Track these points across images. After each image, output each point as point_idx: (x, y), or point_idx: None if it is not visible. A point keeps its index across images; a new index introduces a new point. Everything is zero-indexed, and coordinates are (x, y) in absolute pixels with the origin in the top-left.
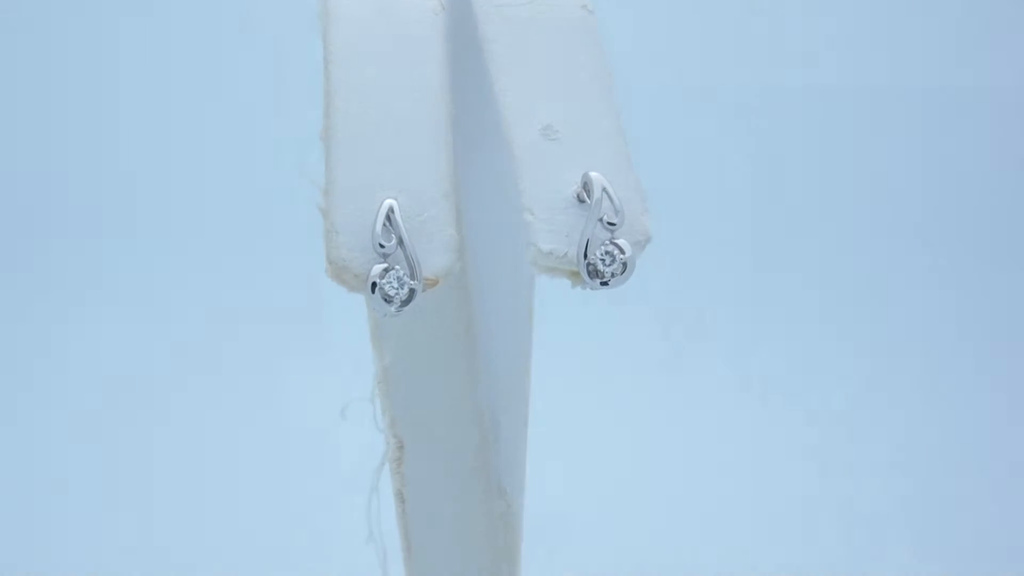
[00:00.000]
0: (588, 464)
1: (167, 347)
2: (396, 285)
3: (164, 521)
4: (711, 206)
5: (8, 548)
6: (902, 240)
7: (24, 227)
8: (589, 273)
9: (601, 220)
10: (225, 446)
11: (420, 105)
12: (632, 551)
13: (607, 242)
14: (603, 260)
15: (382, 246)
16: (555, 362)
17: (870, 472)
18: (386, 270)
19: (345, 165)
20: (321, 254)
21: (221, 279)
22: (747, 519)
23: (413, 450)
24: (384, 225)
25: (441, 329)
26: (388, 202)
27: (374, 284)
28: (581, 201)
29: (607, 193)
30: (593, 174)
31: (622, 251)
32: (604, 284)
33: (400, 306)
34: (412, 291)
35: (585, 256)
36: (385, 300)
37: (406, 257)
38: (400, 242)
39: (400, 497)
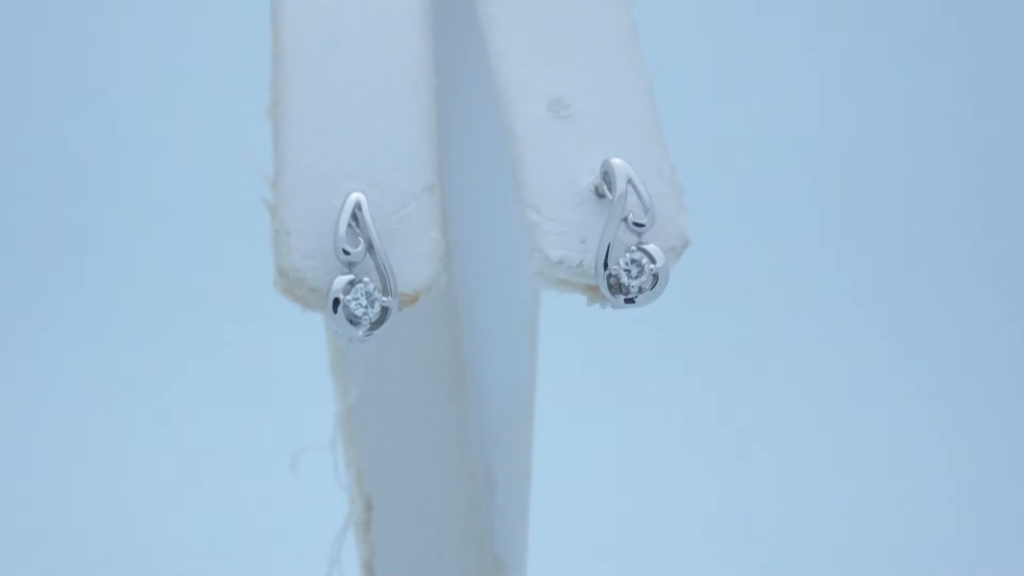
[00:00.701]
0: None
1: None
2: (364, 302)
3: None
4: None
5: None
6: (908, 246)
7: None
8: (611, 287)
9: (626, 220)
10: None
11: (395, 72)
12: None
13: (633, 248)
14: (628, 271)
15: (347, 252)
16: (563, 396)
17: (873, 479)
18: (352, 283)
19: (298, 148)
20: (269, 261)
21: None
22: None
23: (385, 512)
24: (349, 225)
25: (421, 358)
26: (354, 196)
27: (336, 301)
28: (600, 195)
29: (633, 185)
30: (615, 161)
31: (652, 260)
32: (630, 301)
33: (369, 329)
34: (385, 310)
35: (605, 266)
36: (350, 321)
37: (377, 267)
38: (370, 247)
39: (368, 570)
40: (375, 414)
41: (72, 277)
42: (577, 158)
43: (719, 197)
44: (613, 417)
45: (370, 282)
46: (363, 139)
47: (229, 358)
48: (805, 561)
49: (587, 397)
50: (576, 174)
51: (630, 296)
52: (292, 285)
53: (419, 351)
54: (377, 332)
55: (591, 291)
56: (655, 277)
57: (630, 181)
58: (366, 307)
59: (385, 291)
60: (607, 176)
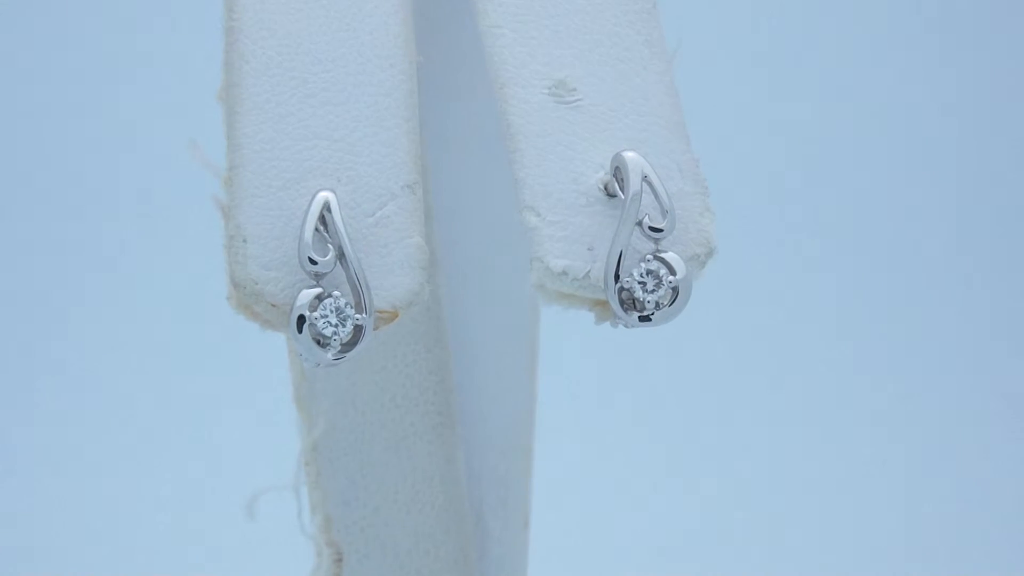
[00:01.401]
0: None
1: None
2: (335, 320)
3: None
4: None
5: None
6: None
7: None
8: (622, 303)
9: (640, 224)
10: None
11: (368, 48)
12: None
13: (649, 257)
14: (643, 284)
15: (313, 262)
16: (564, 422)
17: (875, 486)
18: (319, 298)
19: (256, 139)
20: (221, 272)
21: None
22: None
23: (357, 566)
24: (316, 230)
25: (401, 385)
26: (323, 195)
27: (301, 318)
28: (610, 195)
29: (649, 183)
30: (628, 154)
31: (672, 270)
32: (645, 319)
33: (340, 351)
34: (358, 329)
35: (617, 278)
36: (319, 342)
37: (349, 278)
38: (340, 256)
39: None
40: (346, 450)
41: (18, 281)
42: (583, 151)
43: (747, 193)
44: (617, 450)
45: (341, 296)
46: (332, 129)
47: (172, 386)
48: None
49: (592, 430)
50: (582, 170)
51: (645, 313)
52: (249, 300)
53: (398, 377)
54: (349, 355)
55: (600, 307)
56: (675, 291)
57: (645, 178)
58: (336, 325)
59: (358, 307)
60: (619, 172)
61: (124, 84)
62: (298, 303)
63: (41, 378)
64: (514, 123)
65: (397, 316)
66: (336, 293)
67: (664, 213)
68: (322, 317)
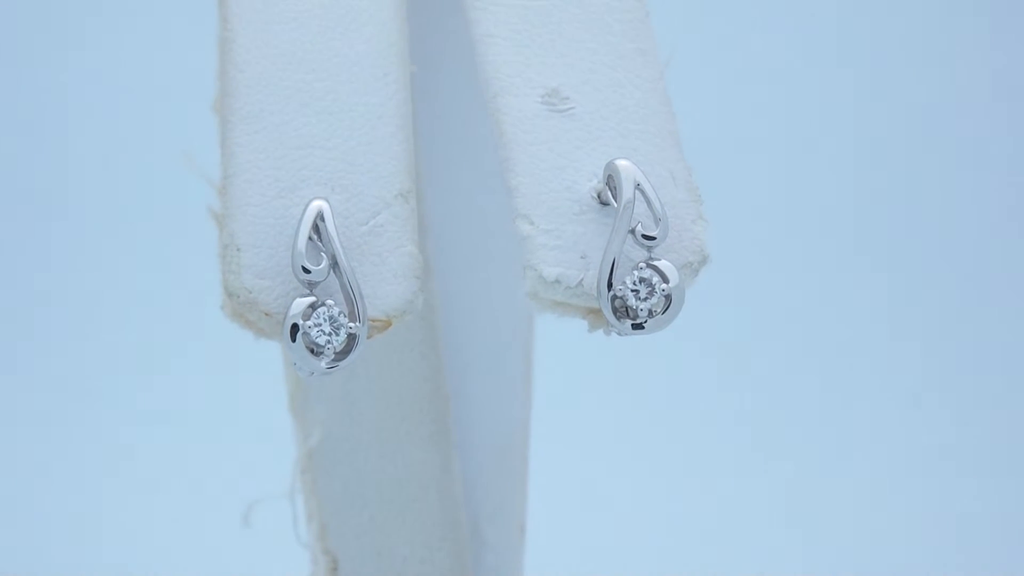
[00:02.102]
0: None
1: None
2: (328, 329)
3: None
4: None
5: None
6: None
7: None
8: (615, 311)
9: (633, 232)
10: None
11: (363, 58)
12: None
13: (642, 265)
14: (636, 292)
15: (307, 270)
16: (560, 434)
17: (873, 484)
18: (313, 307)
19: (250, 149)
20: (216, 281)
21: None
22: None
23: (353, 573)
24: (310, 239)
25: (395, 393)
26: (316, 204)
27: (295, 327)
28: (603, 203)
29: (642, 191)
30: (621, 162)
31: (664, 278)
32: (638, 327)
33: (334, 360)
34: (351, 337)
35: (610, 286)
36: (312, 351)
37: (343, 287)
38: (334, 264)
39: None
40: (341, 459)
41: (10, 289)
42: (576, 159)
43: (738, 201)
44: (613, 457)
45: (334, 305)
46: (326, 137)
47: (167, 393)
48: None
49: (587, 437)
50: (575, 178)
51: (638, 321)
52: (243, 309)
53: (392, 385)
54: (343, 363)
55: (593, 315)
56: (667, 299)
57: (638, 186)
58: (330, 334)
59: (352, 316)
60: (611, 180)
61: (119, 95)
62: (292, 312)
63: (38, 386)
64: (507, 131)
65: (391, 325)
66: (330, 302)
67: (657, 221)
68: (316, 326)
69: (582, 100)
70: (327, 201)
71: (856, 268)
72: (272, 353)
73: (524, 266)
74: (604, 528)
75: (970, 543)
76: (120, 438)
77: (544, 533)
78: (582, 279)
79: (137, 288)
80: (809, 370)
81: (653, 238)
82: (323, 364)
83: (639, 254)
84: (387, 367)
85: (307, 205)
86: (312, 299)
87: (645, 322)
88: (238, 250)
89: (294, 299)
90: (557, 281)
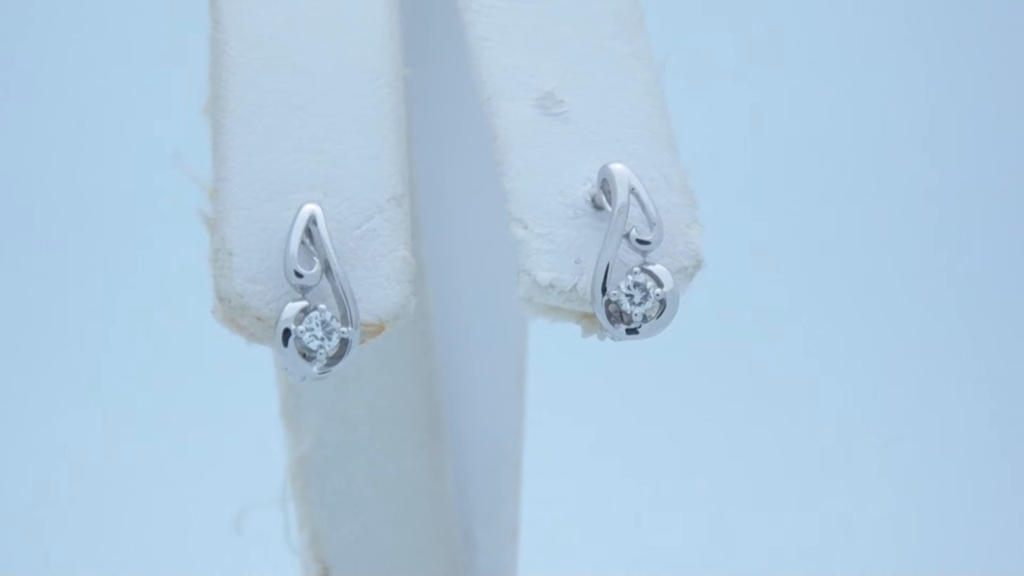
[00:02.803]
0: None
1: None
2: (320, 334)
3: None
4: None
5: None
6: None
7: None
8: (610, 316)
9: (628, 236)
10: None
11: (356, 61)
12: None
13: (637, 269)
14: (631, 296)
15: (299, 275)
16: (553, 439)
17: (869, 481)
18: (305, 311)
19: (242, 152)
20: (207, 285)
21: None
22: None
23: None
24: (302, 243)
25: (388, 399)
26: (308, 208)
27: (287, 332)
28: (598, 207)
29: (637, 195)
30: (616, 166)
31: (659, 283)
32: (632, 332)
33: (326, 365)
34: (344, 342)
35: (604, 290)
36: (304, 356)
37: (335, 291)
38: (326, 269)
39: None
40: (333, 465)
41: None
42: (571, 163)
43: (735, 205)
44: (606, 462)
45: (327, 310)
46: (318, 141)
47: (159, 398)
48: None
49: (581, 442)
50: (570, 182)
51: (633, 326)
52: (235, 313)
53: (385, 390)
54: (335, 368)
55: (587, 320)
56: (662, 304)
57: (633, 190)
58: (322, 339)
59: (344, 320)
60: (606, 184)
61: (110, 98)
62: (284, 316)
63: (28, 393)
64: (501, 135)
65: (383, 329)
66: (322, 306)
67: (652, 225)
68: (308, 330)
69: (576, 103)
70: (319, 205)
71: (852, 272)
72: (264, 358)
73: (518, 270)
74: (597, 533)
75: (970, 543)
76: (111, 444)
77: (537, 538)
78: (576, 284)
79: (128, 292)
80: (803, 374)
81: (648, 243)
82: (315, 369)
83: (634, 259)
84: (380, 372)
85: (299, 209)
86: (304, 303)
87: (639, 327)
88: (230, 254)
89: (286, 303)
90: (551, 286)
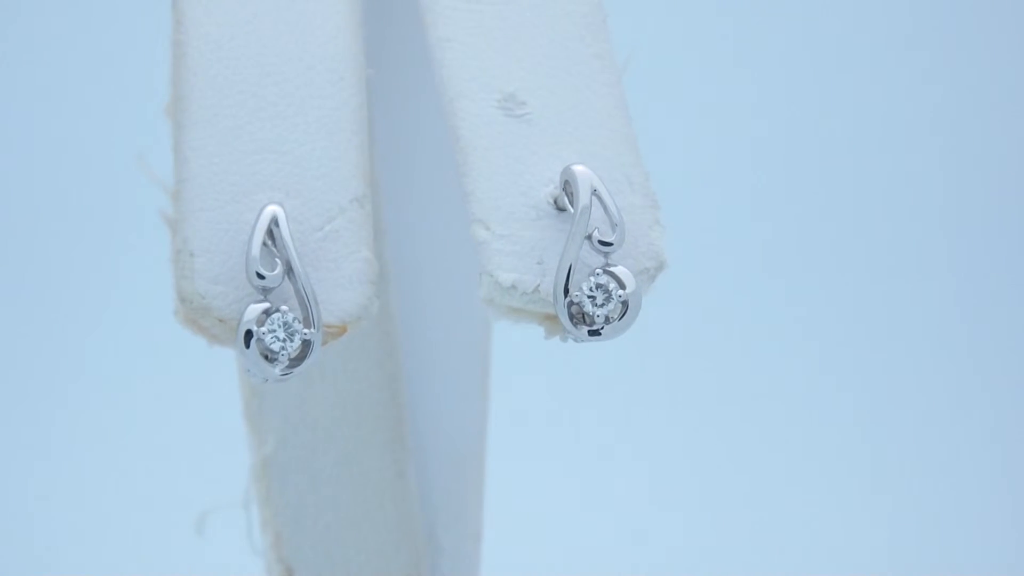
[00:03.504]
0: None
1: None
2: (282, 335)
3: None
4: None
5: None
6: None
7: None
8: (572, 317)
9: (590, 238)
10: None
11: (318, 61)
12: None
13: (599, 271)
14: (593, 298)
15: (261, 276)
16: (518, 441)
17: (865, 483)
18: (267, 312)
19: (203, 153)
20: (168, 286)
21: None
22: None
23: None
24: (264, 244)
25: (351, 400)
26: (270, 209)
27: (249, 333)
28: (560, 209)
29: (599, 196)
30: (578, 168)
31: (621, 284)
32: (595, 334)
33: (288, 366)
34: (306, 344)
35: (566, 292)
36: (266, 358)
37: (297, 293)
38: (288, 270)
39: None
40: (296, 466)
41: None
42: (533, 164)
43: (697, 208)
44: (569, 464)
45: (289, 311)
46: (280, 142)
47: (121, 399)
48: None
49: (545, 444)
50: (532, 183)
51: (595, 327)
52: (196, 315)
53: (348, 392)
54: (297, 370)
55: (549, 321)
56: (624, 305)
57: (595, 192)
58: (284, 340)
59: (307, 322)
60: (568, 186)
61: (72, 100)
62: (245, 318)
63: None
64: (463, 136)
65: (346, 331)
66: (284, 308)
67: (614, 227)
68: (270, 332)
69: (539, 105)
70: (281, 206)
71: (848, 271)
72: (226, 360)
73: (480, 271)
74: (560, 536)
75: (969, 543)
76: (72, 445)
77: (500, 541)
78: (538, 285)
79: (88, 293)
80: (790, 373)
81: (610, 244)
82: (277, 371)
83: (596, 260)
84: (343, 374)
85: (261, 210)
86: (266, 305)
87: (602, 328)
88: (191, 255)
89: (248, 305)
90: (513, 287)
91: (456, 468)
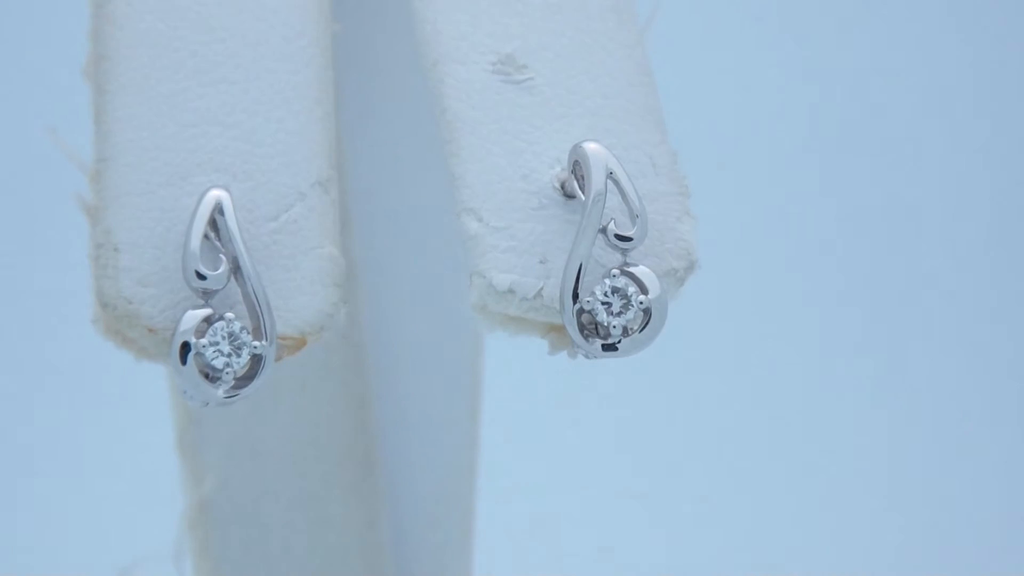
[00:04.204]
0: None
1: None
2: (227, 349)
3: None
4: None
5: None
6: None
7: None
8: (583, 328)
9: (605, 231)
10: None
11: (272, 14)
12: None
13: (616, 272)
14: (608, 305)
15: (202, 276)
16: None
17: (862, 486)
18: (208, 321)
19: (131, 126)
20: (86, 288)
21: None
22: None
23: None
24: (206, 237)
25: (311, 429)
26: (213, 195)
27: (186, 346)
28: (568, 195)
29: (615, 181)
30: (590, 146)
31: (643, 288)
32: (610, 348)
33: (234, 387)
34: (257, 359)
35: (576, 298)
36: (207, 376)
37: (246, 297)
38: (236, 269)
39: None
40: (240, 511)
41: None
42: (536, 142)
43: (732, 195)
44: (570, 506)
45: (235, 319)
46: (226, 112)
47: (23, 430)
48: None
49: (545, 484)
50: (534, 165)
51: (610, 341)
52: (121, 323)
53: (307, 420)
54: (244, 391)
55: (555, 333)
56: (646, 313)
57: (611, 175)
58: (229, 355)
59: (256, 332)
60: (578, 168)
61: None
62: (181, 327)
63: None
64: (451, 107)
65: (305, 343)
66: (229, 315)
67: (634, 218)
68: (211, 344)
69: (543, 69)
70: (227, 191)
71: (852, 282)
72: (156, 378)
73: (470, 272)
74: None
75: (969, 543)
76: None
77: None
78: (541, 289)
79: None
80: (790, 373)
81: (629, 239)
82: (220, 392)
83: (612, 258)
84: (300, 397)
85: (202, 196)
86: (208, 311)
87: (619, 342)
88: (115, 250)
89: (185, 311)
90: (511, 291)
91: (439, 513)
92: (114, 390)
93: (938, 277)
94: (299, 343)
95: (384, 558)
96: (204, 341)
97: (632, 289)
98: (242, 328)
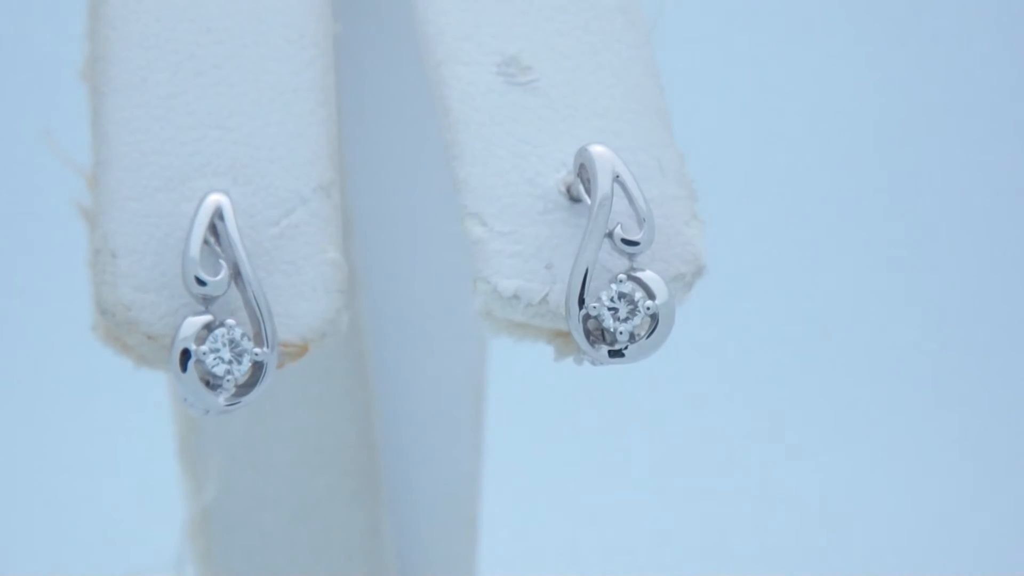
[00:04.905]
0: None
1: None
2: (228, 356)
3: None
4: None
5: None
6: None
7: None
8: (589, 334)
9: (611, 235)
10: None
11: (274, 15)
12: None
13: (622, 277)
14: (615, 311)
15: (202, 282)
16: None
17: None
18: (209, 328)
19: (129, 130)
20: (85, 294)
21: None
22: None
23: None
24: (206, 242)
25: (313, 437)
26: (213, 199)
27: (186, 353)
28: (574, 199)
29: (622, 184)
30: (596, 149)
31: (650, 294)
32: (616, 355)
33: (235, 395)
34: (258, 366)
35: (582, 303)
36: (208, 384)
37: (247, 303)
38: (236, 275)
39: None
40: (243, 519)
41: None
42: (540, 144)
43: (741, 198)
44: (577, 513)
45: (236, 326)
46: (226, 115)
47: (24, 439)
48: None
49: (547, 488)
50: (539, 168)
51: (617, 347)
52: (120, 330)
53: (309, 427)
54: (246, 399)
55: (560, 339)
56: (653, 319)
57: (617, 178)
58: (229, 363)
59: (258, 339)
60: (584, 171)
61: None
62: (181, 334)
63: None
64: (455, 109)
65: (307, 350)
66: (230, 322)
67: (641, 222)
68: (212, 352)
69: (547, 70)
70: (227, 195)
71: (861, 285)
72: (157, 386)
73: (475, 277)
74: None
75: (968, 544)
76: None
77: None
78: (547, 294)
79: None
80: (788, 375)
81: (636, 243)
82: (221, 400)
83: (618, 263)
84: (302, 405)
85: (202, 200)
86: (208, 318)
87: (625, 348)
88: (113, 256)
89: (185, 318)
90: (516, 296)
91: (443, 522)
92: (115, 398)
93: (946, 280)
94: (301, 350)
95: (387, 566)
96: (204, 348)
97: (639, 294)
98: (243, 335)
